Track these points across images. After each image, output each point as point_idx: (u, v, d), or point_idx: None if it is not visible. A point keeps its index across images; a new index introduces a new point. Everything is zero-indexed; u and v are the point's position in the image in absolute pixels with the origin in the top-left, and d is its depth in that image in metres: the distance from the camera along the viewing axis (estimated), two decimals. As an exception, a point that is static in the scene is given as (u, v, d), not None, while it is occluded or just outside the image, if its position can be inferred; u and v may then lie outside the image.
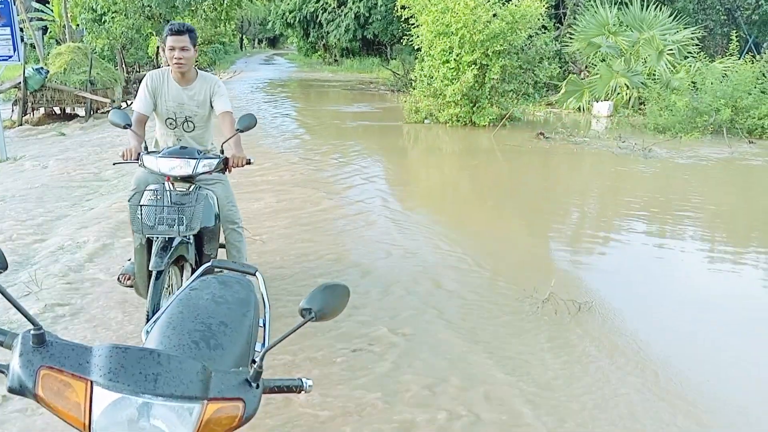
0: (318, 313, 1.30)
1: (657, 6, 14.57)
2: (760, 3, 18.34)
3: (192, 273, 2.78)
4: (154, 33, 15.94)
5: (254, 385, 1.23)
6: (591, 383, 3.08)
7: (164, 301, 2.73)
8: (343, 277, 4.33)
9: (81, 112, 12.52)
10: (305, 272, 4.40)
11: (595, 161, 9.28)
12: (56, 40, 18.31)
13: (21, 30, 10.30)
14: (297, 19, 33.44)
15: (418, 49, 12.40)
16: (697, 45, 13.97)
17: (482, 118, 11.69)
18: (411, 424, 2.70)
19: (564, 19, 16.95)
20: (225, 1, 17.22)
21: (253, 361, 1.36)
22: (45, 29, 20.35)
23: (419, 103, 12.38)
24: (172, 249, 2.89)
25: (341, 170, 8.04)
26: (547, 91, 14.76)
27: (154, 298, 2.74)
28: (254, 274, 2.07)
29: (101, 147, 9.26)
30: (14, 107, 12.03)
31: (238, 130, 3.18)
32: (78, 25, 15.98)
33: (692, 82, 12.25)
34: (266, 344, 1.83)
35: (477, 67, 11.32)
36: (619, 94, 13.55)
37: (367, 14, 28.53)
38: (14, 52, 9.20)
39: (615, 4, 14.96)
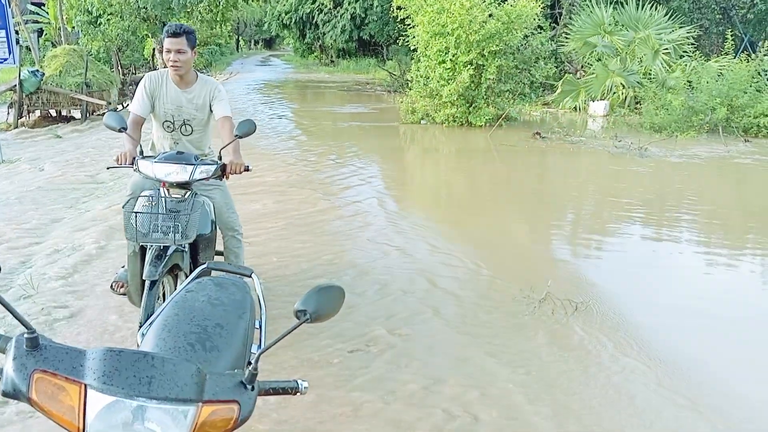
0: (313, 314, 1.30)
1: (652, 5, 14.60)
2: (755, 2, 18.38)
3: None
4: (150, 35, 15.93)
5: (249, 387, 1.23)
6: (590, 382, 3.08)
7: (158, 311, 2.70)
8: (341, 277, 4.33)
9: (77, 114, 12.49)
10: (302, 273, 4.40)
11: (592, 161, 9.29)
12: (52, 43, 18.31)
13: (16, 32, 10.28)
14: (293, 20, 33.46)
15: (414, 50, 12.42)
16: (692, 44, 13.99)
17: (478, 118, 11.70)
18: (408, 424, 2.70)
19: (560, 18, 16.99)
20: (221, 3, 17.20)
21: (249, 363, 1.36)
22: (40, 31, 20.34)
23: (416, 103, 12.39)
24: (167, 257, 2.83)
25: (338, 171, 8.04)
26: (544, 90, 14.79)
27: (148, 308, 2.67)
28: (250, 276, 2.05)
29: (97, 149, 9.25)
30: (10, 110, 11.99)
31: (237, 135, 3.12)
32: (73, 27, 15.98)
33: (688, 81, 12.27)
34: (262, 346, 1.83)
35: (473, 67, 11.33)
36: (615, 93, 13.58)
37: (363, 15, 28.54)
38: (9, 54, 9.20)
39: (610, 3, 14.99)
